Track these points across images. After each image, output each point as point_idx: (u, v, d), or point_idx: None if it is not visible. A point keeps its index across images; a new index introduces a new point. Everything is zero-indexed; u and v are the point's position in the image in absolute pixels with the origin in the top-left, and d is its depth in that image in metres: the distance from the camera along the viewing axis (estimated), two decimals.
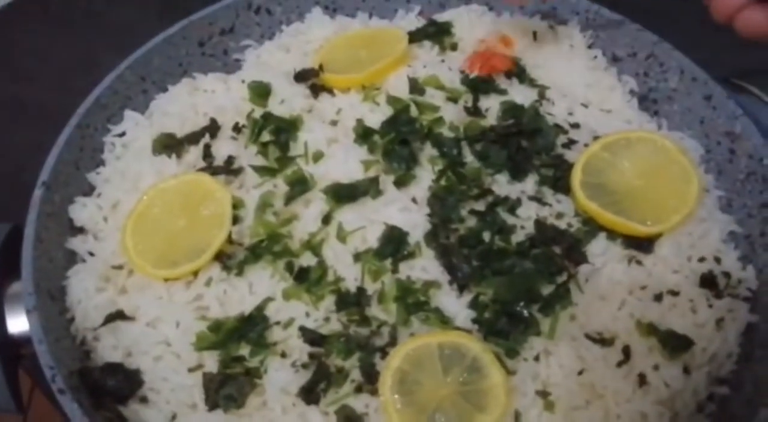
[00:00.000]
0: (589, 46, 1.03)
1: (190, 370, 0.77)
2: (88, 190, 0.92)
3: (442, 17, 1.06)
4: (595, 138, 0.92)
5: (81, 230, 0.89)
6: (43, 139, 0.90)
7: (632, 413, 0.76)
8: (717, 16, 0.50)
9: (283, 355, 0.77)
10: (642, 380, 0.77)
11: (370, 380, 0.75)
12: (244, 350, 0.78)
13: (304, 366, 0.76)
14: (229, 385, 0.75)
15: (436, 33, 1.03)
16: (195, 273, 0.82)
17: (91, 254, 0.86)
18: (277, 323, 0.79)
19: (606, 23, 1.02)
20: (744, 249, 0.87)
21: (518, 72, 0.99)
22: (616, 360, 0.77)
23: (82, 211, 0.89)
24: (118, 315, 0.80)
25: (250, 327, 0.78)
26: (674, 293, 0.82)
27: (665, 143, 0.89)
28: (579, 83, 0.99)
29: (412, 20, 1.08)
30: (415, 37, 1.02)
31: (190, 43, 1.02)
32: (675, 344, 0.78)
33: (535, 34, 1.03)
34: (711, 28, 1.19)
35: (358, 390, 0.75)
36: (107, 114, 0.95)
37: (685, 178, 0.87)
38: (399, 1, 1.09)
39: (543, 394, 0.75)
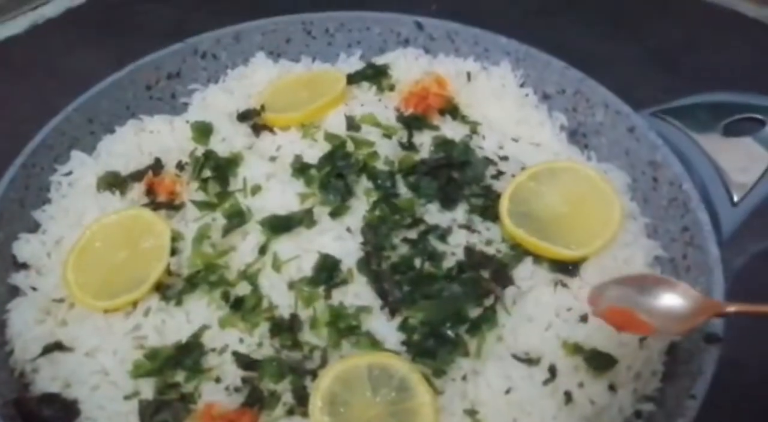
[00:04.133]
0: (521, 85, 1.11)
1: (126, 398, 0.80)
2: (33, 227, 0.96)
3: (380, 60, 1.14)
4: (523, 169, 0.98)
5: (24, 266, 0.93)
6: None
7: None
8: None
9: (217, 380, 0.81)
10: (568, 398, 0.81)
11: (301, 402, 0.79)
12: (180, 376, 0.81)
13: (237, 389, 0.80)
14: (164, 411, 0.79)
15: (374, 75, 1.10)
16: (134, 304, 0.86)
17: (34, 289, 0.90)
18: (213, 350, 0.83)
19: (535, 62, 1.10)
20: (668, 272, 0.93)
21: (451, 110, 1.06)
22: (543, 379, 0.81)
23: (25, 247, 0.93)
24: (57, 346, 0.84)
25: (186, 355, 0.82)
26: None
27: (587, 172, 0.96)
28: (510, 119, 1.07)
29: (353, 63, 1.15)
30: (353, 78, 1.10)
31: (137, 87, 1.08)
32: (599, 362, 0.83)
33: (468, 74, 1.11)
34: (645, 70, 1.31)
35: (290, 412, 0.79)
36: (54, 154, 1.00)
37: (608, 204, 0.93)
38: (341, 46, 1.18)
39: (471, 413, 0.79)
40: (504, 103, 1.08)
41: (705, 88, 1.18)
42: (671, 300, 0.72)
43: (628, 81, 1.12)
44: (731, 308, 0.73)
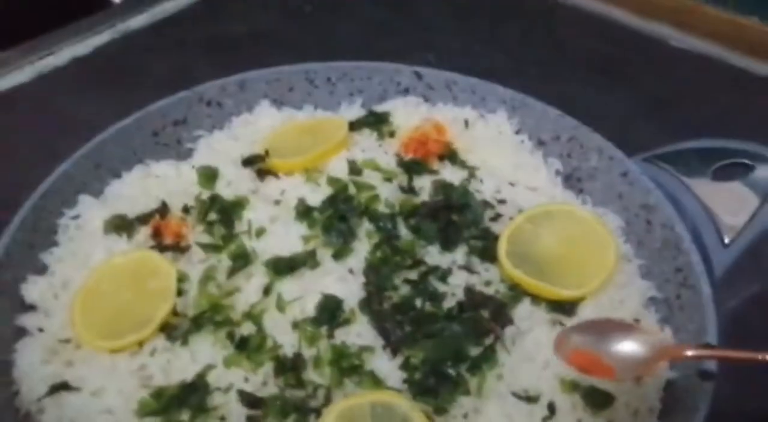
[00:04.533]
0: (517, 132, 1.16)
1: None
2: (41, 269, 0.99)
3: (380, 108, 1.19)
4: (520, 212, 1.02)
5: (31, 307, 0.95)
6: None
7: None
8: None
9: (222, 419, 0.82)
10: None
11: None
12: (185, 415, 0.83)
13: None
14: None
15: (375, 122, 1.15)
16: (140, 344, 0.89)
17: (41, 330, 0.92)
18: (218, 389, 0.85)
19: (530, 110, 1.15)
20: (663, 312, 0.96)
21: (450, 155, 1.11)
22: (542, 416, 0.83)
23: (33, 288, 0.95)
24: (63, 386, 0.86)
25: (191, 393, 0.84)
26: None
27: (583, 214, 1.00)
28: (507, 164, 1.11)
29: (354, 111, 1.20)
30: (355, 125, 1.15)
31: (144, 133, 1.12)
32: (597, 400, 0.85)
33: (466, 121, 1.16)
34: (635, 119, 1.36)
35: None
36: (62, 198, 1.03)
37: (603, 245, 0.97)
38: (342, 94, 1.23)
39: None
40: (501, 149, 1.13)
41: (694, 136, 1.23)
42: (630, 345, 0.77)
43: (618, 129, 1.17)
44: (689, 352, 0.78)
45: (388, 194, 1.04)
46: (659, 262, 0.99)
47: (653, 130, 1.33)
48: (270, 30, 1.61)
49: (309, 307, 0.91)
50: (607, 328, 0.80)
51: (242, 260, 0.95)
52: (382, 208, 1.02)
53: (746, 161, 1.12)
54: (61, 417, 0.84)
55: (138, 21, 1.63)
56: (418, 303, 0.92)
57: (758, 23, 1.51)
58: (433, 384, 0.84)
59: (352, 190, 1.04)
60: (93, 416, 0.83)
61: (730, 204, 1.07)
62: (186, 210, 1.03)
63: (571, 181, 1.12)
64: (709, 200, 1.07)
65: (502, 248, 0.96)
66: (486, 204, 1.04)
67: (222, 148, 1.13)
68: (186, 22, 1.65)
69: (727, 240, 1.03)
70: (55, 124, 1.36)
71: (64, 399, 0.85)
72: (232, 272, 0.95)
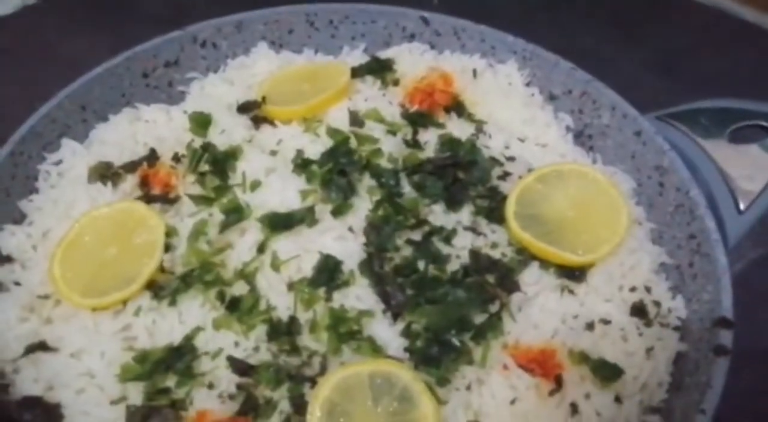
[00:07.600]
0: (527, 84, 1.04)
1: (113, 403, 0.72)
2: (19, 218, 0.87)
3: (384, 54, 1.05)
4: (530, 170, 0.91)
5: (8, 259, 0.84)
6: None
7: None
8: None
9: (211, 386, 0.73)
10: (574, 409, 0.74)
11: (299, 411, 0.71)
12: (171, 381, 0.73)
13: (232, 396, 0.72)
14: (153, 418, 0.71)
15: (379, 69, 1.02)
16: (124, 303, 0.78)
17: (17, 284, 0.82)
18: (206, 353, 0.75)
19: (542, 62, 1.02)
20: (674, 280, 0.87)
21: (457, 107, 0.98)
22: (549, 389, 0.75)
23: (10, 239, 0.84)
24: (40, 346, 0.76)
25: (178, 358, 0.74)
26: (606, 322, 0.80)
27: (596, 175, 0.89)
28: (516, 119, 0.99)
29: (356, 57, 1.07)
30: (357, 72, 1.02)
31: (133, 74, 0.99)
32: (606, 372, 0.76)
33: (474, 71, 1.03)
34: (648, 73, 1.24)
35: (287, 421, 0.71)
36: (43, 142, 0.91)
37: (615, 209, 0.86)
38: (344, 38, 1.09)
39: None
40: (510, 102, 1.00)
41: (706, 93, 1.11)
42: None
43: (628, 84, 1.05)
44: None
45: (391, 148, 0.92)
46: (672, 227, 0.89)
47: (661, 86, 1.21)
48: None
49: (306, 267, 0.80)
50: None
51: (235, 214, 0.84)
52: (384, 163, 0.91)
53: (764, 123, 1.00)
54: (37, 378, 0.75)
55: None
56: (421, 265, 0.81)
57: None
58: (436, 352, 0.75)
59: (353, 142, 0.92)
60: (72, 379, 0.74)
61: (746, 168, 0.95)
62: (176, 158, 0.91)
63: (582, 137, 1.01)
64: (725, 163, 0.96)
65: (510, 209, 0.86)
66: (494, 161, 0.92)
67: (216, 92, 1.01)
68: None
69: (742, 207, 0.93)
70: (39, 60, 1.22)
71: (41, 359, 0.76)
72: (224, 227, 0.83)
